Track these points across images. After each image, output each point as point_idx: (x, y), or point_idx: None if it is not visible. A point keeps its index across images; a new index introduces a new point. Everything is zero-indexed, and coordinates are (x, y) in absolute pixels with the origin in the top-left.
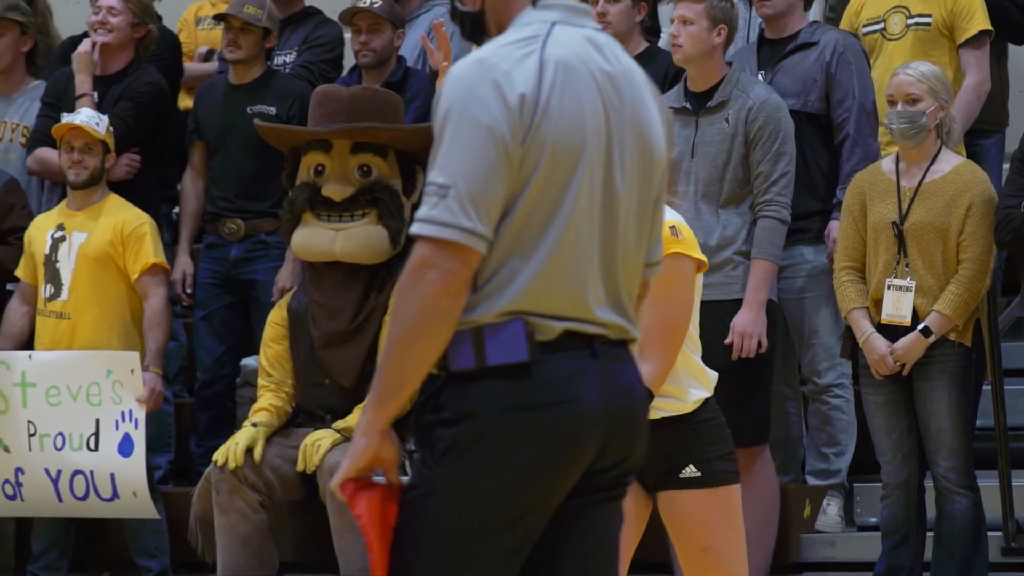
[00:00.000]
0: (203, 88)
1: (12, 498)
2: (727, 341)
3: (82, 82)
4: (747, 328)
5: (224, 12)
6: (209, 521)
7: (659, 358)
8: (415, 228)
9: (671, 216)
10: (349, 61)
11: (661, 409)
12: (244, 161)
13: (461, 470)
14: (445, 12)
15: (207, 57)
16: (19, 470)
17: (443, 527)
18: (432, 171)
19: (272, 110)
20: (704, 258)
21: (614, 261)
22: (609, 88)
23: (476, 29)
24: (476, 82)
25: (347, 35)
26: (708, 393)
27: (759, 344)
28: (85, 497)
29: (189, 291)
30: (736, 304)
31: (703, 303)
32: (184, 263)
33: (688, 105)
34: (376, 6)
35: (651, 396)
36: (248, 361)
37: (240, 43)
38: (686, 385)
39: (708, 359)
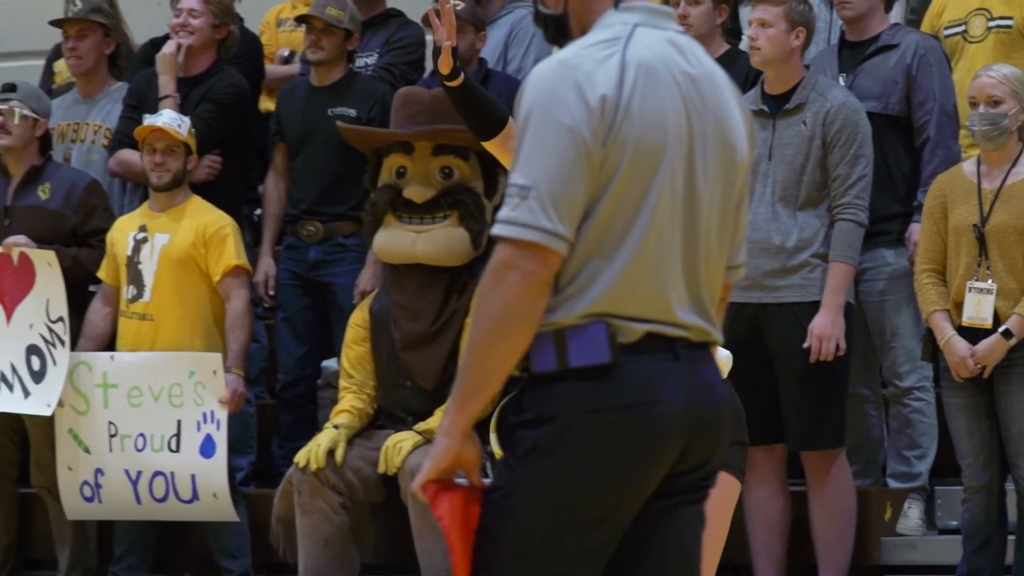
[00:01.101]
0: (285, 90)
1: (90, 500)
2: (805, 345)
3: (166, 83)
4: (825, 331)
5: (306, 13)
6: (290, 522)
7: None
8: (496, 229)
9: None
10: (431, 63)
11: None
12: (324, 163)
13: (543, 472)
14: (527, 13)
15: (287, 59)
16: (99, 471)
17: (525, 529)
18: (513, 172)
19: (352, 112)
20: None
21: (696, 263)
22: (691, 90)
23: (559, 32)
24: (557, 83)
25: (429, 37)
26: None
27: (837, 347)
28: (164, 499)
29: (271, 293)
30: (813, 306)
31: (780, 305)
32: (267, 265)
33: (765, 107)
34: (458, 8)
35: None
36: (329, 363)
37: (322, 44)
38: None
39: (786, 360)
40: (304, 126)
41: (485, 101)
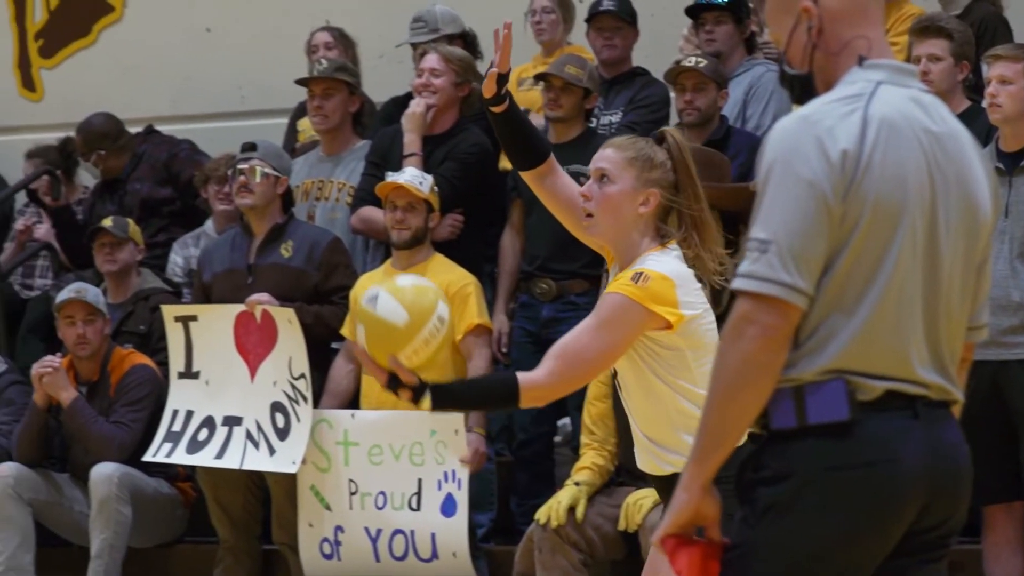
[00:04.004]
0: None
1: (329, 557)
2: None
3: (412, 142)
4: None
5: (545, 72)
6: None
7: (548, 375)
8: (736, 283)
9: (661, 267)
10: (675, 120)
11: (670, 464)
12: (558, 221)
13: (782, 529)
14: (765, 71)
15: None
16: (339, 528)
17: None
18: (754, 226)
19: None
20: (672, 319)
21: (937, 321)
22: (934, 148)
23: (804, 91)
24: (799, 138)
25: (673, 95)
26: None
27: None
28: (404, 557)
29: (505, 350)
30: None
31: (1020, 362)
32: (500, 321)
33: (1000, 165)
34: (702, 65)
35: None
36: (564, 422)
37: (560, 102)
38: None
39: None
40: None
41: (528, 132)
